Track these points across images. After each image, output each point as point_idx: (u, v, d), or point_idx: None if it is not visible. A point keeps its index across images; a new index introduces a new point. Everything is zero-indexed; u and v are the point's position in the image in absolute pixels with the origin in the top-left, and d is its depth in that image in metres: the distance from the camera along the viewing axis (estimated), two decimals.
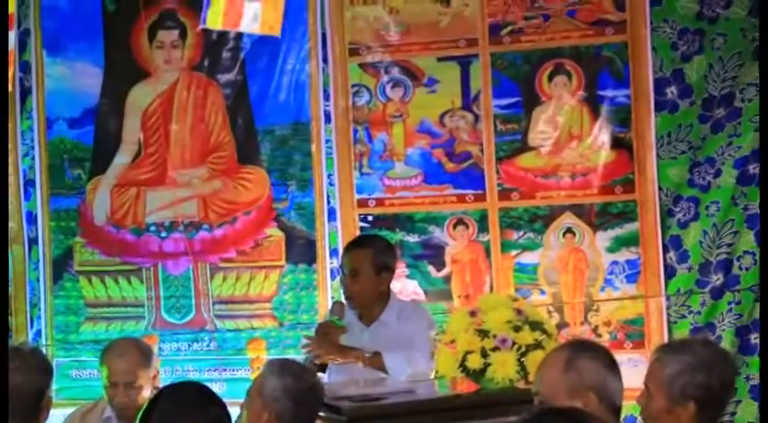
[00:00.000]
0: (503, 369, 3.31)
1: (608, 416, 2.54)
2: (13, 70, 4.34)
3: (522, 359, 3.32)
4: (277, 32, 3.95)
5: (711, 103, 4.67)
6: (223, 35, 5.05)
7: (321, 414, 3.32)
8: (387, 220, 4.99)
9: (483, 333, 3.36)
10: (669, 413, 2.63)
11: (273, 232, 5.10)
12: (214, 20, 3.82)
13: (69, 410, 4.09)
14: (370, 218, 5.02)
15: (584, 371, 2.55)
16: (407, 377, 3.79)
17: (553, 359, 2.65)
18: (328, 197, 5.04)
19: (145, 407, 2.73)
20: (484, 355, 3.33)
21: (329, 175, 5.05)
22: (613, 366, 2.65)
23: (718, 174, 4.66)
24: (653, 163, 4.73)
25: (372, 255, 4.09)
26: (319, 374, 3.89)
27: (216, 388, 4.66)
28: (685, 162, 4.70)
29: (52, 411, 2.84)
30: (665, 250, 4.73)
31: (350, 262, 4.10)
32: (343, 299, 4.17)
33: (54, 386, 2.95)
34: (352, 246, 4.24)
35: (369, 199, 5.03)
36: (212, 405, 2.65)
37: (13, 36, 4.18)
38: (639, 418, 2.84)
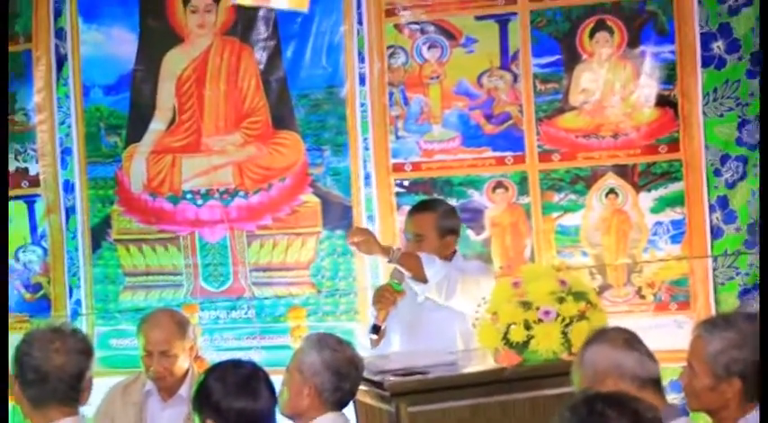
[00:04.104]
0: (546, 341, 3.25)
1: (634, 389, 2.50)
2: None
3: (566, 331, 3.25)
4: (304, 8, 3.88)
5: (760, 57, 4.52)
6: None
7: (364, 388, 3.29)
8: (424, 185, 4.92)
9: (526, 305, 3.30)
10: (713, 390, 2.58)
11: (309, 198, 5.04)
12: None
13: (109, 379, 4.11)
14: (406, 183, 4.95)
15: (594, 361, 2.54)
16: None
17: (573, 362, 2.63)
18: (364, 162, 4.97)
19: (196, 387, 2.74)
20: (527, 327, 3.27)
21: (365, 140, 4.98)
22: (628, 342, 2.61)
23: None
24: (699, 121, 4.62)
25: (436, 218, 4.06)
26: (372, 336, 3.86)
27: (255, 356, 4.73)
28: (733, 119, 4.59)
29: (93, 380, 2.82)
30: (711, 210, 4.63)
31: (414, 226, 4.05)
32: None
33: (95, 355, 2.94)
34: (415, 210, 4.18)
35: (405, 163, 4.95)
36: (264, 391, 2.65)
37: None
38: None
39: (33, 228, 5.28)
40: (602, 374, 2.52)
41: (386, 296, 3.87)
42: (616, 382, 2.50)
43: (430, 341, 3.88)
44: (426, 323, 3.95)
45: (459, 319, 3.92)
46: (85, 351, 2.79)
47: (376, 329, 3.85)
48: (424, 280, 3.82)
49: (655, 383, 2.62)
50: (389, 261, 3.88)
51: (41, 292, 5.26)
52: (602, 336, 2.67)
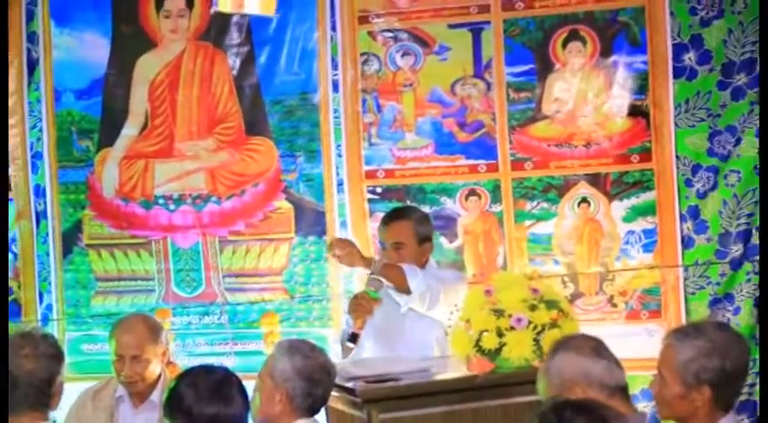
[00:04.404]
0: (518, 349, 3.26)
1: (603, 397, 2.51)
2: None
3: (537, 338, 3.27)
4: (271, 13, 3.90)
5: (731, 69, 4.58)
6: None
7: (336, 394, 3.29)
8: (397, 192, 4.93)
9: (498, 312, 3.32)
10: (683, 399, 2.60)
11: (282, 204, 5.03)
12: (224, 2, 3.80)
13: (81, 385, 4.09)
14: (379, 189, 4.95)
15: (561, 369, 2.55)
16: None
17: (539, 370, 2.63)
18: (337, 168, 4.97)
19: (168, 392, 2.73)
20: (499, 334, 3.29)
21: (338, 146, 4.98)
22: (595, 349, 2.62)
23: (738, 142, 4.58)
24: (671, 131, 4.65)
25: (414, 225, 4.08)
26: (349, 345, 3.85)
27: (227, 361, 4.72)
28: (704, 130, 4.63)
29: (64, 385, 2.81)
30: (683, 220, 4.66)
31: (392, 235, 4.05)
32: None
33: (66, 360, 2.93)
34: (392, 218, 4.16)
35: (378, 170, 4.96)
36: (236, 396, 2.64)
37: None
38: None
39: None
40: (569, 383, 2.52)
41: (363, 304, 3.86)
42: (584, 390, 2.51)
43: (408, 349, 3.88)
44: (407, 332, 3.95)
45: (437, 327, 3.93)
46: (56, 356, 2.78)
47: (354, 338, 3.83)
48: (407, 291, 3.83)
49: (623, 391, 2.62)
50: (372, 273, 3.88)
51: (12, 297, 5.21)
52: (568, 343, 2.67)
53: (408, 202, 4.86)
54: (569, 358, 2.58)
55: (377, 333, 4.00)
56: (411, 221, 4.08)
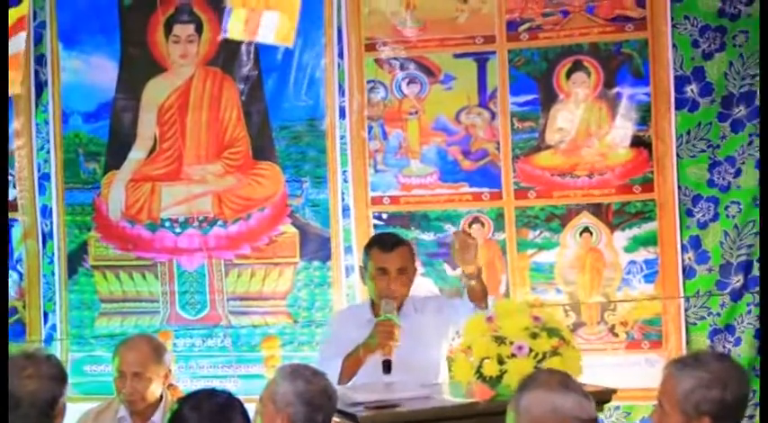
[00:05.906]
0: (519, 376, 3.25)
1: None
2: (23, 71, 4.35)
3: (538, 366, 3.28)
4: (289, 43, 3.93)
5: (731, 101, 4.63)
6: None
7: (337, 420, 3.30)
8: (401, 218, 4.97)
9: (499, 340, 3.34)
10: None
11: (287, 229, 5.07)
12: (235, 30, 3.81)
13: (83, 405, 4.11)
14: (384, 216, 4.99)
15: (530, 407, 2.54)
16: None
17: (508, 408, 2.65)
18: (343, 194, 5.01)
19: (171, 414, 2.75)
20: (500, 361, 3.30)
21: (344, 172, 5.02)
22: (563, 383, 2.61)
23: (738, 173, 4.62)
24: (673, 162, 4.69)
25: (411, 250, 4.11)
26: (384, 376, 3.82)
27: (230, 384, 4.73)
28: (704, 161, 4.68)
29: (67, 406, 2.83)
30: (684, 251, 4.69)
31: (400, 260, 4.02)
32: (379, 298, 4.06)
33: (69, 381, 2.94)
34: (395, 245, 4.07)
35: (383, 196, 5.00)
36: (238, 420, 2.66)
37: (22, 36, 4.18)
38: None
39: (10, 252, 5.27)
40: (539, 420, 2.53)
41: (389, 331, 3.83)
42: None
43: (425, 375, 3.88)
44: (420, 359, 3.95)
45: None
46: (59, 377, 2.80)
47: (388, 365, 3.77)
48: (485, 306, 3.86)
49: (587, 420, 2.62)
50: (469, 278, 3.88)
51: (16, 317, 5.24)
52: (534, 380, 2.65)
53: (412, 229, 4.91)
54: (537, 395, 2.56)
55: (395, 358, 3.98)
56: (409, 246, 4.12)
